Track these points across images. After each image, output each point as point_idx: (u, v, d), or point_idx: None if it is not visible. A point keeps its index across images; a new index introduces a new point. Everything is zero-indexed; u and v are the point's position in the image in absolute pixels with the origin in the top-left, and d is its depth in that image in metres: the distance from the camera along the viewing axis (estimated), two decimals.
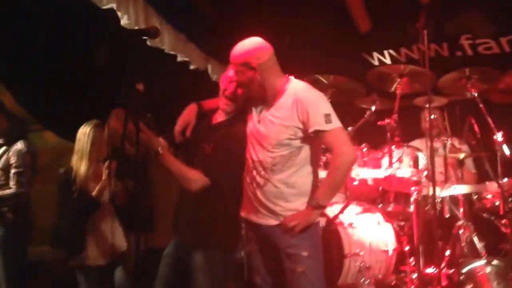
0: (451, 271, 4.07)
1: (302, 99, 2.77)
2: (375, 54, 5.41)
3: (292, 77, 2.91)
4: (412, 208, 4.26)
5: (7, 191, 4.18)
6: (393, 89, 4.46)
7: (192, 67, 5.57)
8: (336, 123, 2.76)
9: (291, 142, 2.78)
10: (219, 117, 3.11)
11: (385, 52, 5.36)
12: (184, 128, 3.08)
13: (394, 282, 4.25)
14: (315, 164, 2.89)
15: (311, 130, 2.74)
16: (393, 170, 4.02)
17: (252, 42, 2.90)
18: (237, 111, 3.06)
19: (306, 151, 2.82)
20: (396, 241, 4.29)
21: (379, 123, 4.18)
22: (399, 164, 4.12)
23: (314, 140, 2.81)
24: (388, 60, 5.40)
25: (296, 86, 2.87)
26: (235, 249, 3.19)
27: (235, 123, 3.02)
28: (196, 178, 2.90)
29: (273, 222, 2.86)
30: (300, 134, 2.78)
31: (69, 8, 4.64)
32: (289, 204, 2.83)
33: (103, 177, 3.68)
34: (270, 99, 2.86)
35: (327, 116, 2.73)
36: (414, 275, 4.19)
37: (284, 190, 2.82)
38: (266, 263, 2.99)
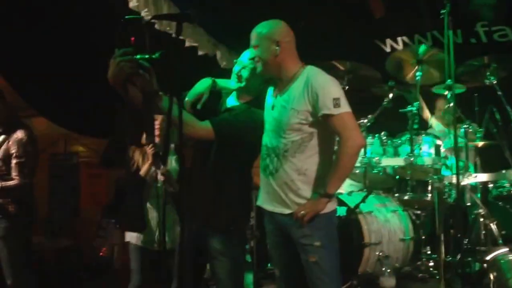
0: (470, 259, 4.07)
1: (312, 83, 2.73)
2: (388, 41, 5.35)
3: (307, 65, 2.87)
4: (429, 196, 4.26)
5: (10, 182, 4.01)
6: (411, 75, 4.40)
7: (200, 52, 5.48)
8: (344, 107, 2.70)
9: (302, 127, 2.74)
10: (232, 102, 3.05)
11: (399, 38, 5.31)
12: (196, 100, 3.00)
13: (411, 270, 4.24)
14: (328, 153, 2.82)
15: (319, 114, 2.70)
16: (414, 158, 3.97)
17: (278, 21, 2.90)
18: (250, 97, 3.01)
19: (318, 138, 2.76)
20: (413, 230, 4.28)
21: (400, 110, 4.12)
22: (419, 152, 4.10)
23: (326, 127, 2.75)
24: (400, 47, 5.35)
25: (309, 71, 2.82)
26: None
27: (248, 109, 2.97)
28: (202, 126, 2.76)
29: (286, 211, 2.82)
30: (310, 119, 2.73)
31: None
32: (300, 191, 2.78)
33: (149, 160, 3.71)
34: (285, 83, 2.84)
35: (336, 100, 2.68)
36: (431, 263, 4.19)
37: (295, 177, 2.76)
38: (283, 254, 2.95)
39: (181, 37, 5.13)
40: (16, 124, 4.10)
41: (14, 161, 3.98)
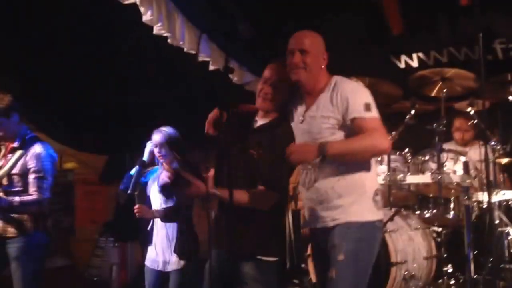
0: (494, 277, 4.01)
1: (342, 88, 2.67)
2: (403, 57, 5.35)
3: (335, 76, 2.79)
4: (451, 214, 4.22)
5: (28, 197, 3.87)
6: (434, 93, 4.38)
7: (212, 67, 5.40)
8: (375, 113, 2.63)
9: (334, 132, 2.65)
10: (260, 121, 2.95)
11: (414, 55, 5.30)
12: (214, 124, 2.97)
13: None
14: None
15: (349, 117, 2.61)
16: (440, 175, 3.93)
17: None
18: (277, 114, 2.92)
19: None
20: (436, 248, 4.23)
21: (427, 126, 4.08)
22: (444, 169, 4.06)
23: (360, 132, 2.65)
24: (415, 63, 5.34)
25: (337, 79, 2.76)
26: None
27: (279, 124, 2.88)
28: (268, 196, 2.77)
29: (330, 223, 2.67)
30: (341, 124, 2.65)
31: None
32: (342, 197, 2.65)
33: None
34: (315, 94, 2.75)
35: (367, 105, 2.61)
36: (452, 282, 4.15)
37: (335, 183, 2.66)
38: (322, 266, 2.75)
39: (193, 52, 5.15)
40: (32, 139, 3.96)
41: (32, 176, 3.83)
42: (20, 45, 4.83)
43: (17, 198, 3.77)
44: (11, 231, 3.80)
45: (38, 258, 3.95)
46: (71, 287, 6.41)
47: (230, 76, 5.74)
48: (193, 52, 5.14)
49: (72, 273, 6.94)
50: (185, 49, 5.04)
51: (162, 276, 3.76)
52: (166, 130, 3.90)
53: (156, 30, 4.63)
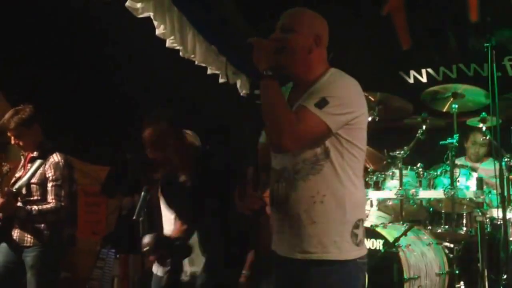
0: None
1: (326, 79, 2.21)
2: (412, 72, 5.38)
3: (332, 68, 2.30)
4: (464, 230, 4.21)
5: (47, 206, 3.87)
6: (446, 108, 4.40)
7: (221, 80, 5.41)
8: (321, 113, 2.07)
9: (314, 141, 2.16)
10: None
11: (423, 70, 5.34)
12: None
13: None
14: (354, 176, 2.20)
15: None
16: (454, 191, 3.93)
17: (319, 15, 2.36)
18: None
19: (337, 155, 2.16)
20: (448, 264, 4.22)
21: (441, 142, 4.09)
22: (457, 184, 4.07)
23: (352, 140, 2.18)
24: (424, 79, 5.37)
25: (333, 72, 2.26)
26: None
27: None
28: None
29: (296, 255, 2.19)
30: None
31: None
32: (313, 228, 2.15)
33: None
34: (304, 86, 2.25)
35: (323, 100, 2.08)
36: None
37: (310, 206, 2.16)
38: None
39: (203, 64, 5.17)
40: (51, 148, 3.98)
41: (50, 184, 3.86)
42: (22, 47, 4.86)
43: (35, 207, 3.79)
44: (28, 240, 3.83)
45: (54, 267, 3.98)
46: None
47: (239, 88, 5.80)
48: (204, 65, 5.18)
49: (72, 285, 6.89)
50: (196, 62, 5.08)
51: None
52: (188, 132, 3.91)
53: (169, 43, 4.66)
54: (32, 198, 3.86)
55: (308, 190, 2.16)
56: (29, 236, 3.83)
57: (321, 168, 2.15)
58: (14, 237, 3.85)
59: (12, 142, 3.99)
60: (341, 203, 2.16)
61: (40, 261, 3.83)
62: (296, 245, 2.18)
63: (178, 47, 4.77)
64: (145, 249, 3.07)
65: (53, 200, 3.85)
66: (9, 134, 3.96)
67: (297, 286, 2.20)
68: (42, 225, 3.85)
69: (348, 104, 2.14)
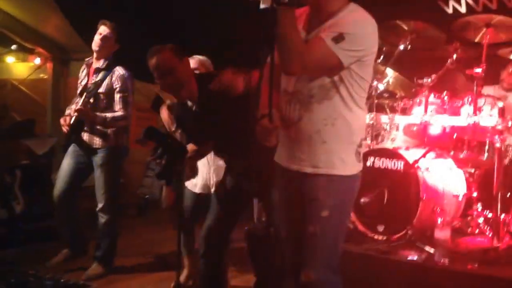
0: None
1: (343, 14, 2.35)
2: (451, 2, 5.38)
3: (352, 3, 2.42)
4: (485, 156, 4.40)
5: (118, 113, 4.36)
6: (478, 39, 4.48)
7: (262, 6, 5.53)
8: (337, 48, 2.24)
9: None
10: None
11: (462, 0, 5.33)
12: None
13: (459, 224, 4.41)
14: (361, 102, 2.47)
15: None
16: (476, 118, 4.11)
17: None
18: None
19: (350, 83, 2.39)
20: (466, 187, 4.45)
21: (467, 71, 4.22)
22: (479, 113, 4.23)
23: (362, 70, 2.39)
24: (463, 9, 5.36)
25: (351, 9, 2.39)
26: None
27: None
28: None
29: (306, 169, 2.45)
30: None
31: None
32: (327, 145, 2.41)
33: None
34: (322, 17, 2.41)
35: (341, 35, 2.24)
36: (480, 220, 4.37)
37: (322, 127, 2.40)
38: (293, 210, 2.57)
39: None
40: (115, 61, 4.40)
41: (118, 95, 4.37)
42: None
43: (109, 114, 4.32)
44: (97, 142, 4.38)
45: (119, 166, 4.62)
46: (125, 203, 6.95)
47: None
48: None
49: (126, 190, 7.51)
50: None
51: (198, 199, 4.14)
52: (200, 57, 4.18)
53: None
54: (99, 107, 4.36)
55: (321, 113, 2.40)
56: (97, 139, 4.36)
57: (334, 94, 2.38)
58: (84, 139, 4.39)
59: (97, 38, 4.39)
60: (349, 126, 2.42)
61: (107, 160, 4.40)
62: (306, 160, 2.45)
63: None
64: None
65: (121, 110, 4.35)
66: (102, 30, 4.38)
67: (305, 194, 2.47)
68: (109, 130, 4.37)
69: (362, 42, 2.32)
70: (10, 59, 8.36)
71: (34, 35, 7.55)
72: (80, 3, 6.10)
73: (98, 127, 4.37)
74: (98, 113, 4.32)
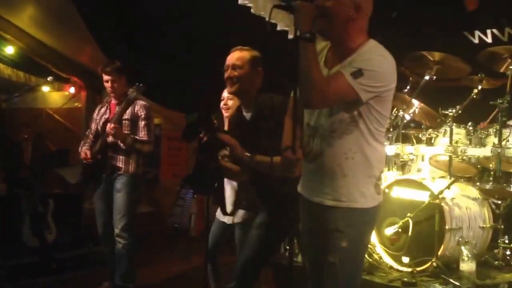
0: None
1: (362, 51, 2.41)
2: (477, 33, 5.41)
3: (372, 40, 2.50)
4: None
5: (143, 138, 4.56)
6: (503, 69, 4.49)
7: (290, 36, 5.69)
8: (356, 83, 2.30)
9: (351, 104, 2.40)
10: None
11: (488, 31, 5.35)
12: None
13: (488, 257, 4.36)
14: (379, 136, 2.51)
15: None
16: (501, 149, 4.10)
17: None
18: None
19: (369, 118, 2.44)
20: (493, 219, 4.40)
21: (491, 102, 4.23)
22: (505, 143, 4.21)
23: (379, 106, 2.44)
24: (489, 39, 5.38)
25: (371, 46, 2.46)
26: None
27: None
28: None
29: (327, 202, 2.51)
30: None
31: None
32: (347, 178, 2.47)
33: None
34: (343, 54, 2.46)
35: (360, 71, 2.31)
36: (507, 252, 4.31)
37: (343, 161, 2.46)
38: (315, 242, 2.61)
39: (273, 21, 5.45)
40: (135, 98, 4.62)
41: (142, 123, 4.56)
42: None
43: (137, 137, 4.53)
44: (119, 167, 4.55)
45: (138, 190, 4.71)
46: (154, 231, 7.10)
47: None
48: (273, 21, 5.46)
49: (156, 219, 7.61)
50: (266, 19, 5.36)
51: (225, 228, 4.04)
52: None
53: (241, 0, 4.99)
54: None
55: (342, 147, 2.45)
56: (120, 164, 4.53)
57: (354, 129, 2.43)
58: (107, 165, 4.56)
59: (107, 85, 4.58)
60: (368, 159, 2.47)
61: (127, 185, 4.54)
62: (328, 193, 2.50)
63: (249, 4, 5.11)
64: None
65: (146, 135, 4.53)
66: (106, 77, 4.55)
67: (326, 225, 2.51)
68: (130, 158, 4.53)
69: (381, 78, 2.37)
70: (45, 88, 8.65)
71: (69, 65, 7.88)
72: (114, 35, 6.34)
73: (121, 153, 4.53)
74: (128, 133, 4.49)
